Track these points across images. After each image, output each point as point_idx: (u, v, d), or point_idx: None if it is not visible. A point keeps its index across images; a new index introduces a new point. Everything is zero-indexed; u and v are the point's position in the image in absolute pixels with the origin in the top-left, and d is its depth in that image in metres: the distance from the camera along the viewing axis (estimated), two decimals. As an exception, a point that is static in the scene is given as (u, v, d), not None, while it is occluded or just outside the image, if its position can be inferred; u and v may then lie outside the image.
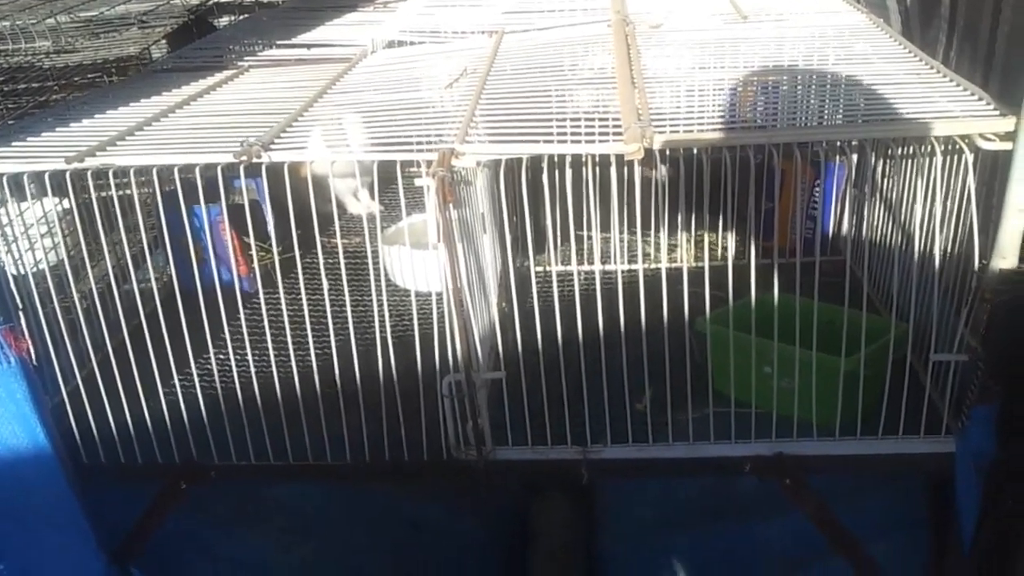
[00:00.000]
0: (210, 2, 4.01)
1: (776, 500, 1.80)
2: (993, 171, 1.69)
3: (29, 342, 1.76)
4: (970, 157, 1.58)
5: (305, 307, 1.81)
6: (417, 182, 1.61)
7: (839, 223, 2.50)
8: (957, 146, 1.61)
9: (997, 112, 1.61)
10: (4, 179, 1.72)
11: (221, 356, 1.92)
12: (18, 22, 3.56)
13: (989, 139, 1.56)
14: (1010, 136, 1.54)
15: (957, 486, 1.70)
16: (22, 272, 1.90)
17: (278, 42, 2.86)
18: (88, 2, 4.07)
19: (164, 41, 3.51)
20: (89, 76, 2.90)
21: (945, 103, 1.71)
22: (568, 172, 1.63)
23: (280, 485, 1.92)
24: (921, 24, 2.37)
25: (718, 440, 1.81)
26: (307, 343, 1.84)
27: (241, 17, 4.07)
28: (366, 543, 1.99)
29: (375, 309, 1.77)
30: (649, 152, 1.58)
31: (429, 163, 1.62)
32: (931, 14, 2.29)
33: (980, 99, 1.69)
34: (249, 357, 1.87)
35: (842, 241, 2.48)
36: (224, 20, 4.20)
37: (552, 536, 1.97)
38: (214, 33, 3.51)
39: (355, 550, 1.97)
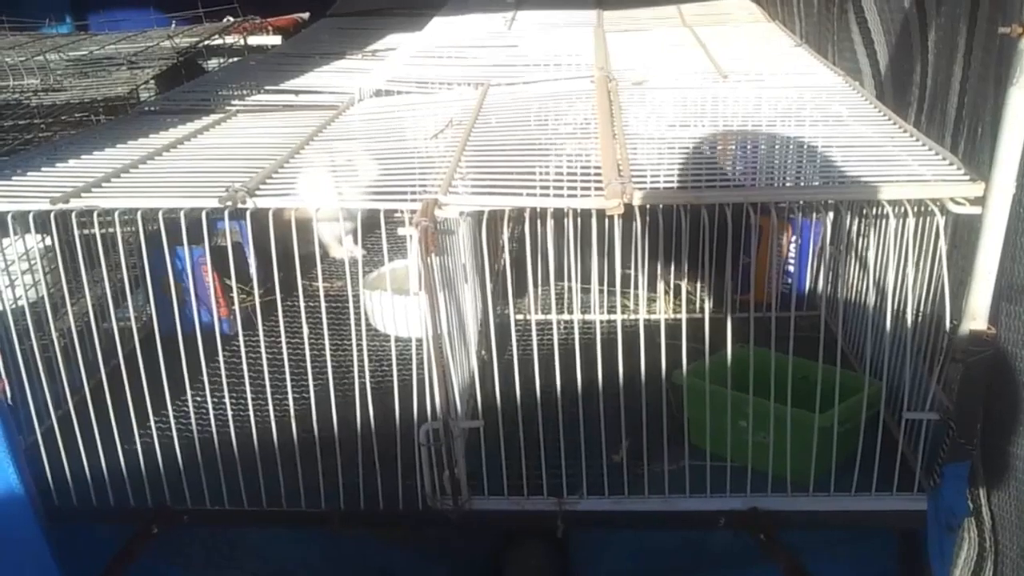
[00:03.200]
0: (199, 45, 4.05)
1: (750, 554, 1.81)
2: (964, 233, 1.73)
3: (5, 381, 1.75)
4: (941, 220, 1.62)
5: (284, 351, 1.81)
6: (400, 231, 1.63)
7: (815, 279, 2.53)
8: (929, 209, 1.65)
9: (968, 177, 1.65)
10: (-12, 217, 1.72)
11: (198, 399, 1.91)
12: (7, 59, 3.58)
13: (959, 203, 1.60)
14: (979, 201, 1.59)
15: (928, 543, 1.72)
16: (0, 309, 1.89)
17: (266, 87, 2.89)
18: (78, 41, 4.10)
19: (153, 82, 3.54)
20: (77, 115, 2.92)
21: (917, 166, 1.75)
22: (550, 223, 1.65)
23: (253, 531, 1.91)
24: (894, 88, 2.44)
25: (693, 493, 1.82)
26: (285, 387, 1.84)
27: (230, 61, 4.11)
28: (338, 591, 1.97)
29: (355, 354, 1.78)
30: (628, 207, 1.61)
31: (413, 212, 1.64)
32: (903, 80, 2.35)
33: (951, 164, 1.74)
34: (226, 400, 1.87)
35: (818, 297, 2.52)
36: (213, 63, 4.24)
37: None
38: (203, 76, 3.54)
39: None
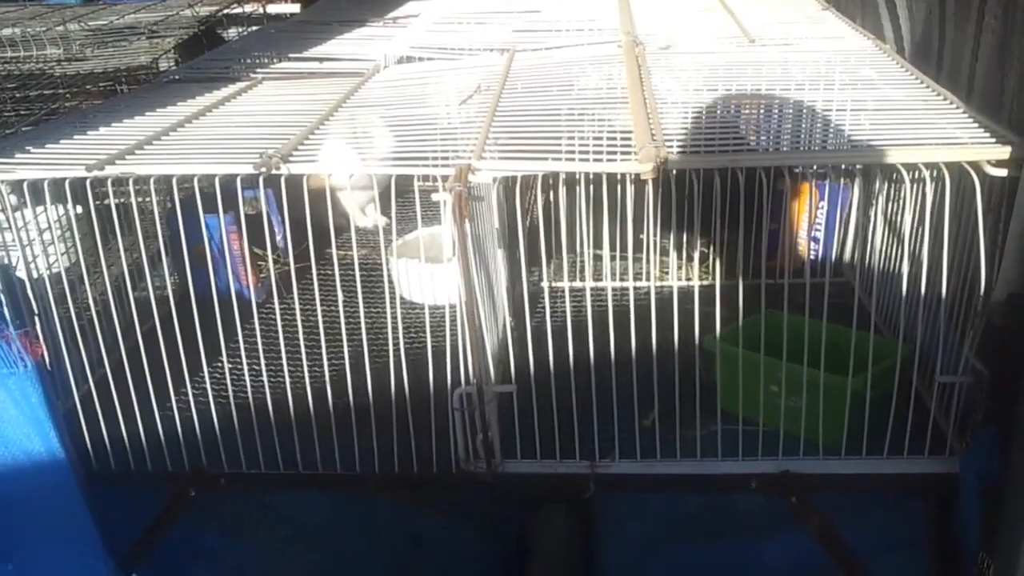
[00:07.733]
0: (219, 14, 4.04)
1: (780, 517, 1.82)
2: (999, 197, 1.72)
3: (43, 346, 1.78)
4: (977, 183, 1.60)
5: (320, 317, 1.82)
6: (434, 197, 1.63)
7: (843, 245, 2.52)
8: (964, 172, 1.63)
9: (1004, 139, 1.63)
10: (24, 185, 1.73)
11: (231, 364, 1.93)
12: (28, 29, 3.58)
13: (996, 166, 1.59)
14: (1018, 162, 1.57)
15: (961, 506, 1.72)
16: (35, 276, 1.91)
17: (289, 55, 2.88)
18: (98, 11, 4.10)
19: (173, 52, 3.53)
20: (100, 85, 2.92)
21: (952, 130, 1.74)
22: (580, 190, 1.65)
23: (288, 494, 1.93)
24: (915, 55, 2.42)
25: (725, 457, 1.83)
26: (320, 353, 1.85)
27: (250, 29, 4.10)
28: (370, 554, 2.00)
29: (388, 321, 1.79)
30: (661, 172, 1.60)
31: (446, 178, 1.64)
32: (925, 46, 2.33)
33: (986, 126, 1.72)
34: (262, 366, 1.88)
35: (845, 263, 2.51)
36: (232, 32, 4.22)
37: (551, 550, 1.98)
38: (224, 45, 3.53)
39: (359, 560, 1.98)
